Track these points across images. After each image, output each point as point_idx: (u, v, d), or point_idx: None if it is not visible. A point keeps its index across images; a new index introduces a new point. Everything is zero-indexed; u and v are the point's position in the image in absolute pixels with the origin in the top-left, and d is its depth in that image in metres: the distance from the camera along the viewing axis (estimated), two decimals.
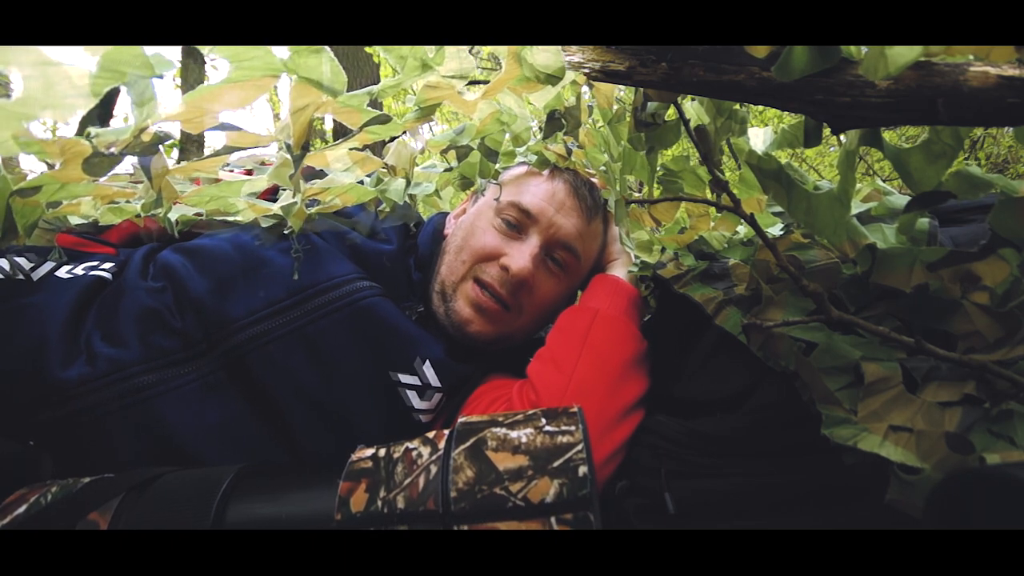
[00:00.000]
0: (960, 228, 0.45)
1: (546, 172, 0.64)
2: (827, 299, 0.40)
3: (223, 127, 0.39)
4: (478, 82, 0.52)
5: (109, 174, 0.37)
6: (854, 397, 0.38)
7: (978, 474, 0.30)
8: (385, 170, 0.62)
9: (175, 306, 0.52)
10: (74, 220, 0.58)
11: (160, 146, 0.40)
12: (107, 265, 0.55)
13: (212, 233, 0.60)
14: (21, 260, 0.52)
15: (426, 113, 0.48)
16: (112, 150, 0.34)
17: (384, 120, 0.45)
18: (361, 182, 0.63)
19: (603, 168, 0.67)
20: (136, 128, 0.32)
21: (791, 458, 0.42)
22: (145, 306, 0.51)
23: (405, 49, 0.41)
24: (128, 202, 0.54)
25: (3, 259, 0.51)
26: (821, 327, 0.41)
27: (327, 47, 0.34)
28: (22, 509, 0.33)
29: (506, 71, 0.44)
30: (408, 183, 0.63)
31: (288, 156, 0.43)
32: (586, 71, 0.38)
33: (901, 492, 0.34)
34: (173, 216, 0.57)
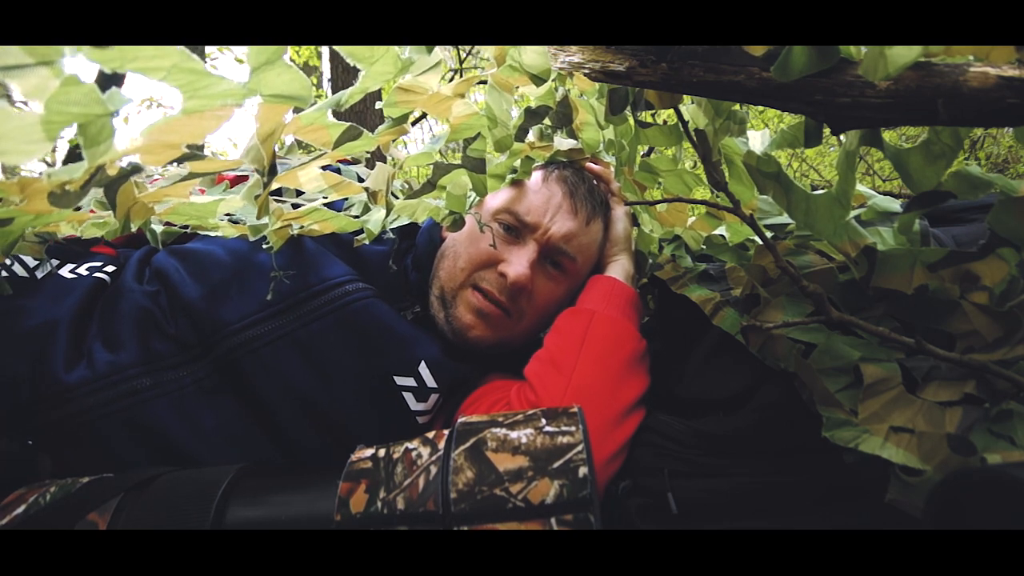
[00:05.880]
0: (962, 228, 0.45)
1: (542, 173, 0.63)
2: (827, 300, 0.40)
3: (187, 157, 0.36)
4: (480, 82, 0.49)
5: (80, 203, 0.36)
6: (854, 398, 0.38)
7: (978, 474, 0.30)
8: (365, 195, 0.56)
9: (168, 310, 0.52)
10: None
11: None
12: (108, 268, 0.56)
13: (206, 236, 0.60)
14: (26, 258, 0.52)
15: (399, 123, 0.44)
16: (68, 188, 0.32)
17: (355, 135, 0.42)
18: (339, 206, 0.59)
19: (600, 151, 0.65)
20: (89, 169, 0.30)
21: (794, 457, 0.42)
22: (141, 309, 0.51)
23: (378, 50, 0.37)
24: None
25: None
26: (820, 328, 0.41)
27: (283, 56, 0.31)
28: (21, 509, 0.33)
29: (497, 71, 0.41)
30: (388, 212, 0.58)
31: (258, 177, 0.40)
32: (586, 71, 0.38)
33: (901, 492, 0.34)
34: (157, 228, 0.56)
